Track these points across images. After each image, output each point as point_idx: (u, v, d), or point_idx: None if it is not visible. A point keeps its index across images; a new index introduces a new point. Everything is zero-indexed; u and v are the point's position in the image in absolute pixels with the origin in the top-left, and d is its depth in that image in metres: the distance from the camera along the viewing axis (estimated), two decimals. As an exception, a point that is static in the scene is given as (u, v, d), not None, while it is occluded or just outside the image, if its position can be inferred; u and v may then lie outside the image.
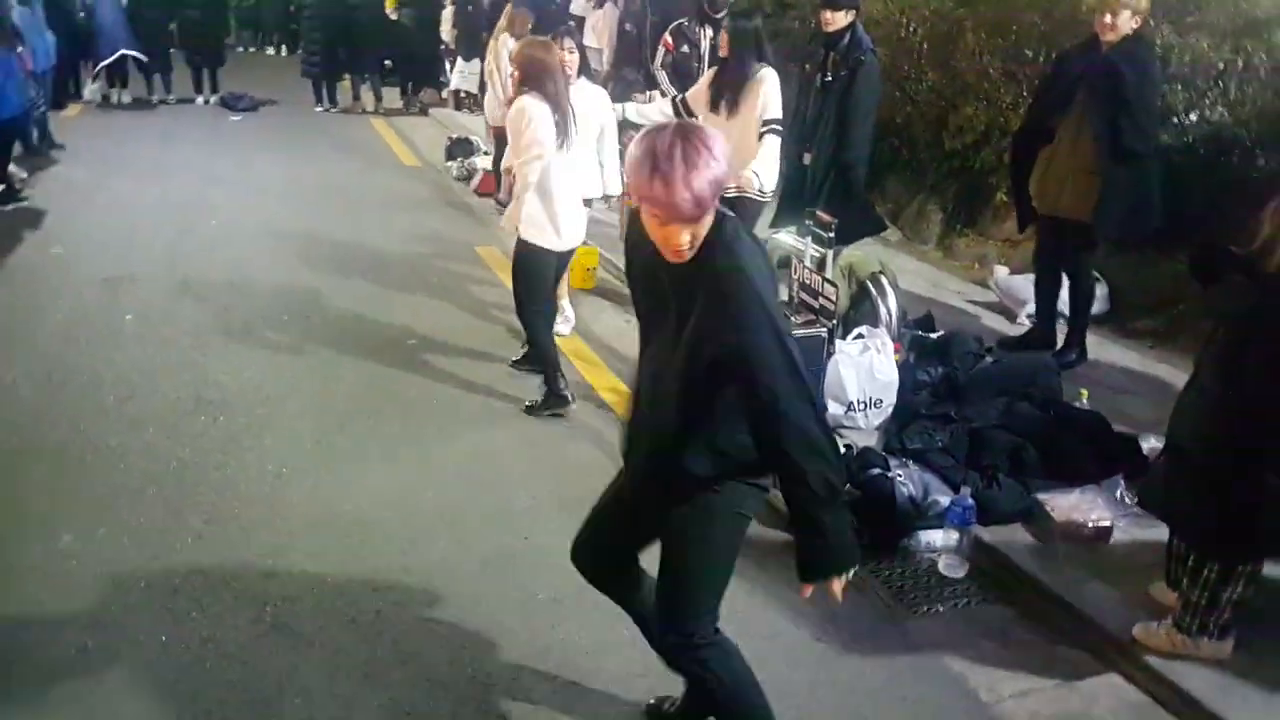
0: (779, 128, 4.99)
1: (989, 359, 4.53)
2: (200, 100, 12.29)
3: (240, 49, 17.22)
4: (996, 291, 5.93)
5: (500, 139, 7.24)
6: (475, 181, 8.79)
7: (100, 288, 5.87)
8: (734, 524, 2.28)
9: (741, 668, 2.37)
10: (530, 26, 7.40)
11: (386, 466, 4.01)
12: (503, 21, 7.93)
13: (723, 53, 5.05)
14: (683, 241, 1.99)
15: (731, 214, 2.11)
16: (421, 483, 3.89)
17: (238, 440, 4.16)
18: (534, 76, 4.23)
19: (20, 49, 7.77)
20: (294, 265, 6.43)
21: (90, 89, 12.02)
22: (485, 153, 9.30)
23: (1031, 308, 5.33)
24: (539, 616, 3.13)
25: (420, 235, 7.32)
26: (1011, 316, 5.68)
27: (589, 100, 5.02)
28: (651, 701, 2.73)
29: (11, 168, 7.84)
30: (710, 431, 2.15)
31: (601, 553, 2.47)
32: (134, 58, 11.51)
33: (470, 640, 3.01)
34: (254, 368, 4.87)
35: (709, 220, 2.02)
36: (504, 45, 7.39)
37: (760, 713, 2.39)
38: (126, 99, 12.00)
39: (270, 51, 17.96)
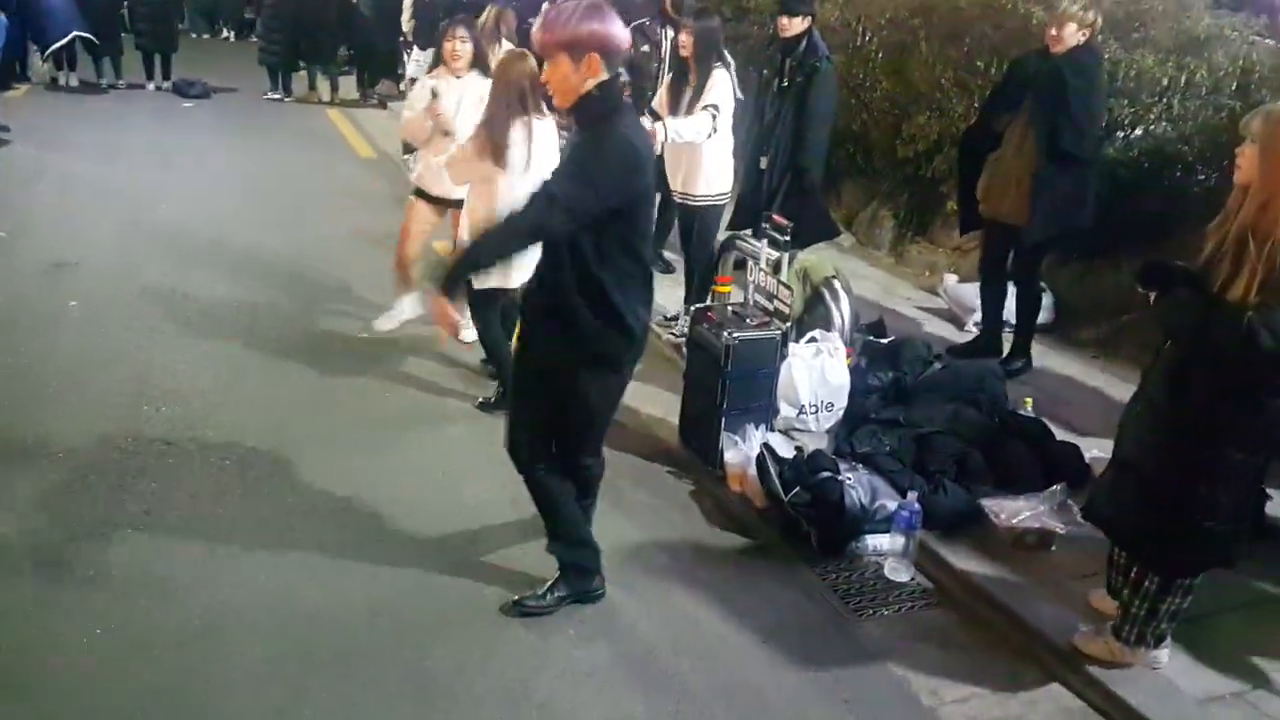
0: (716, 111, 4.96)
1: (938, 365, 4.55)
2: (151, 86, 11.92)
3: (194, 35, 16.77)
4: (946, 299, 5.99)
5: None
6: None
7: (44, 273, 5.68)
8: None
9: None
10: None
11: (334, 461, 3.92)
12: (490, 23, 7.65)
13: (685, 53, 5.03)
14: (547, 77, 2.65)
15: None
16: (372, 478, 3.81)
17: (181, 431, 4.04)
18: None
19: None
20: (245, 256, 6.27)
21: (38, 70, 11.62)
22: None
23: (978, 315, 5.38)
24: (489, 624, 3.08)
25: (375, 229, 7.18)
26: (960, 324, 5.73)
27: (484, 92, 4.47)
28: None
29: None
30: None
31: None
32: (84, 39, 11.14)
33: (412, 634, 2.95)
34: (200, 359, 4.74)
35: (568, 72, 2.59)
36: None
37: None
38: (74, 82, 11.61)
39: (225, 36, 17.55)
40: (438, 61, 4.90)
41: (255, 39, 13.63)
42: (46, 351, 4.65)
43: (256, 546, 3.32)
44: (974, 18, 6.58)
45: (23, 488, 3.53)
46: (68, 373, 4.46)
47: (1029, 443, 3.97)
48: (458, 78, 4.78)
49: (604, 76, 2.62)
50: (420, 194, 4.95)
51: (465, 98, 4.70)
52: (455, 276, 2.67)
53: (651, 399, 4.74)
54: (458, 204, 4.54)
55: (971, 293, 5.60)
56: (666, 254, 6.57)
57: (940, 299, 6.08)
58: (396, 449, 4.06)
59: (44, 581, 3.07)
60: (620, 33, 2.64)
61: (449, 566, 3.30)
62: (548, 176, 2.65)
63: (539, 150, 4.06)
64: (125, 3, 11.96)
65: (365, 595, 3.13)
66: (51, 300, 5.29)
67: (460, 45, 4.76)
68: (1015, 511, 3.56)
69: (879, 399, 4.36)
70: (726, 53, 5.15)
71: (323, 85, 12.45)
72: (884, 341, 4.82)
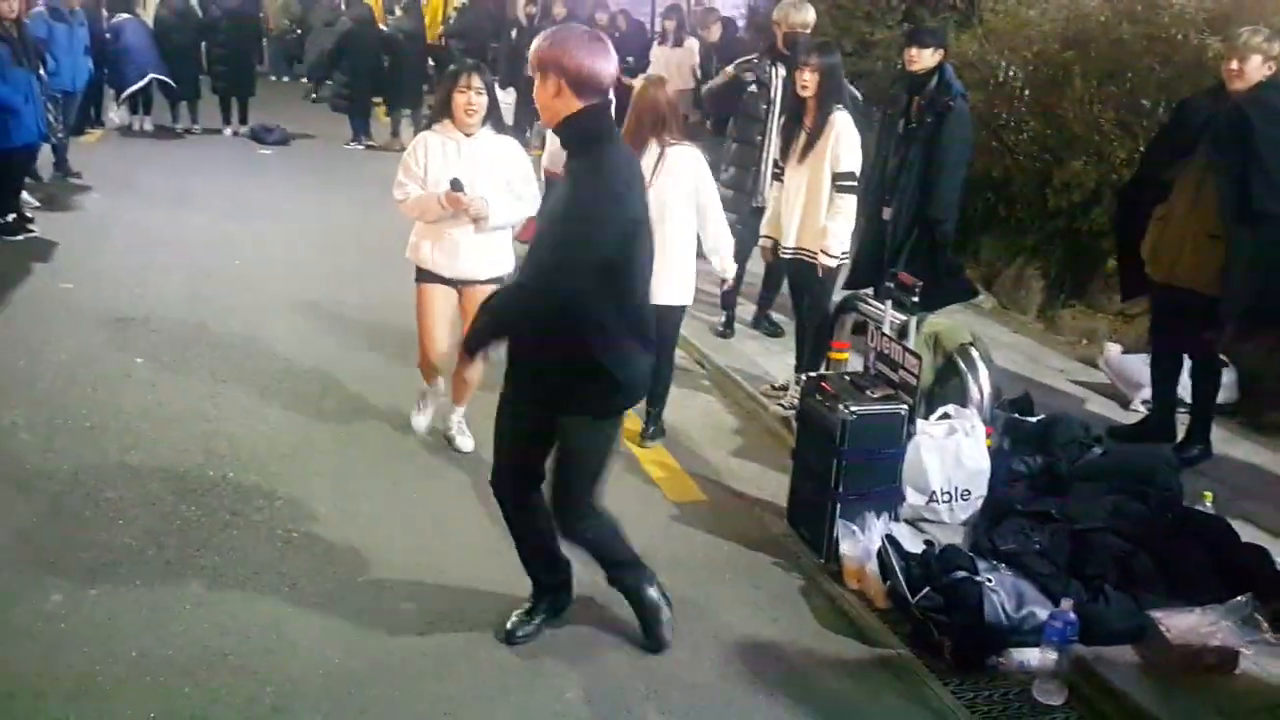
0: (854, 183, 5.03)
1: (1097, 450, 4.45)
2: (228, 131, 12.75)
3: (274, 78, 17.88)
4: (1107, 372, 5.85)
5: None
6: (519, 228, 8.95)
7: (110, 328, 6.07)
8: None
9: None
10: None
11: (406, 535, 4.04)
12: None
13: (805, 93, 5.08)
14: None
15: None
16: (442, 554, 3.91)
17: (247, 499, 4.23)
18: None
19: (43, 71, 8.14)
20: (319, 312, 6.59)
21: (113, 115, 12.55)
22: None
23: (1147, 393, 5.24)
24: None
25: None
26: (1125, 402, 5.59)
27: (498, 154, 4.53)
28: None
29: (24, 195, 8.19)
30: None
31: None
32: (161, 82, 12.00)
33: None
34: (269, 423, 4.98)
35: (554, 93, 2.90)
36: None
37: None
38: (149, 127, 12.52)
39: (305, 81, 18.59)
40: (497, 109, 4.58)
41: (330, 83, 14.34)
42: (112, 411, 4.96)
43: (326, 627, 3.43)
44: (1138, 51, 6.52)
45: (79, 558, 3.75)
46: (133, 433, 4.74)
47: (1208, 544, 3.82)
48: (467, 135, 4.44)
49: (577, 104, 2.92)
50: (428, 277, 4.61)
51: (478, 162, 4.44)
52: (479, 343, 3.12)
53: (757, 478, 4.76)
54: (473, 283, 4.53)
55: (1138, 366, 5.46)
56: (775, 315, 6.62)
57: (1100, 372, 5.95)
58: (473, 527, 4.16)
59: (101, 655, 3.23)
60: (595, 68, 2.89)
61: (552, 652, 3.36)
62: (552, 231, 3.02)
63: (666, 175, 4.51)
64: (203, 44, 12.82)
65: (438, 690, 3.20)
66: (117, 357, 5.65)
67: (475, 98, 4.37)
68: (1191, 626, 3.41)
69: (1026, 488, 4.27)
70: (853, 88, 5.19)
71: (407, 132, 13.07)
72: (1032, 420, 4.73)
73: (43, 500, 4.12)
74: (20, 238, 7.70)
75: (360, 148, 12.71)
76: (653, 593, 3.43)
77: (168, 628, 3.38)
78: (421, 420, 4.93)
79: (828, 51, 5.19)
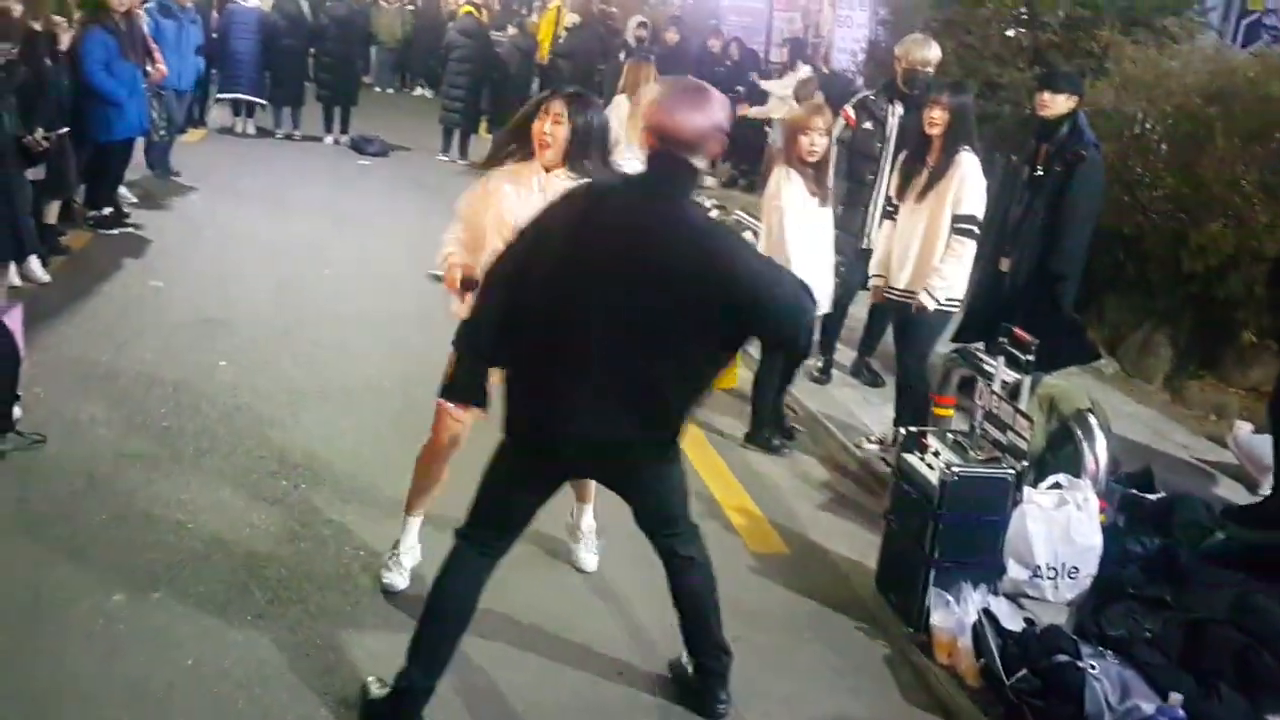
0: (975, 228, 4.97)
1: (1221, 535, 4.28)
2: (329, 139, 13.16)
3: (378, 89, 18.42)
4: (1236, 452, 5.64)
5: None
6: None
7: (196, 329, 6.29)
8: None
9: None
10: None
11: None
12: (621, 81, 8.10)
13: (933, 130, 5.06)
14: None
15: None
16: (514, 591, 3.91)
17: (318, 512, 4.32)
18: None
19: (150, 68, 8.51)
20: (404, 326, 6.72)
21: (215, 115, 13.08)
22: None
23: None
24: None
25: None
26: (1253, 485, 5.38)
27: None
28: None
29: (122, 190, 8.55)
30: None
31: None
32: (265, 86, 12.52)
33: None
34: (348, 435, 5.09)
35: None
36: (615, 109, 6.93)
37: None
38: (251, 129, 13.00)
39: (419, 93, 19.07)
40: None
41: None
42: (190, 411, 5.12)
43: (386, 650, 3.46)
44: (1288, 110, 6.34)
45: (143, 560, 3.85)
46: (209, 436, 4.89)
47: (1340, 648, 3.63)
48: (545, 172, 3.65)
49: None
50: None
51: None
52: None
53: (846, 536, 4.69)
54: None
55: (1269, 446, 5.24)
56: (875, 364, 6.54)
57: (1228, 451, 5.74)
58: (549, 558, 4.17)
59: (156, 660, 3.30)
60: (679, 125, 2.81)
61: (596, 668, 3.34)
62: None
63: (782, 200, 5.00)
64: (311, 50, 13.29)
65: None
66: (201, 358, 5.84)
67: (552, 126, 3.59)
68: (1317, 737, 3.24)
69: (1140, 570, 4.13)
70: (974, 134, 5.16)
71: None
72: (1151, 498, 4.59)
73: (113, 498, 4.25)
74: (116, 232, 8.04)
75: (451, 161, 12.85)
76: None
77: (226, 637, 3.46)
78: (399, 577, 3.87)
79: (960, 91, 5.18)
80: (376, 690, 3.14)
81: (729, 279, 2.76)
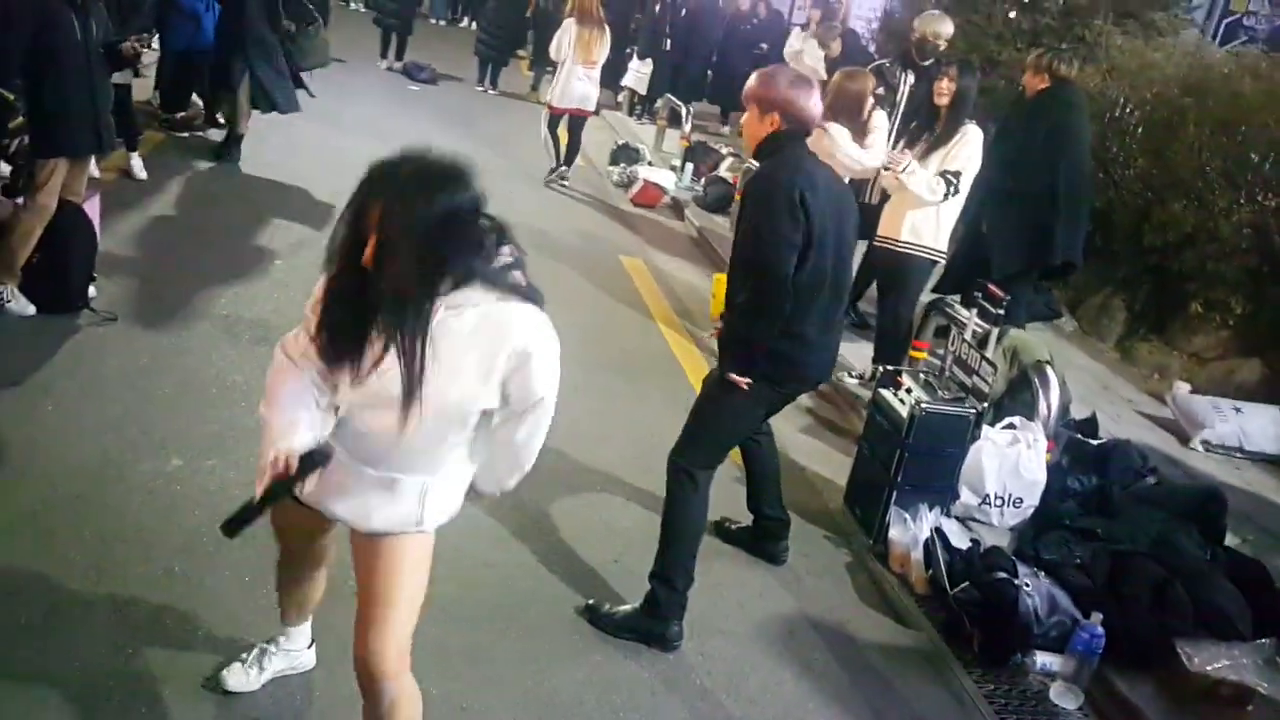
0: (955, 182, 4.90)
1: (1150, 479, 4.32)
2: (383, 65, 12.94)
3: (433, 20, 18.10)
4: (1173, 408, 5.67)
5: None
6: (634, 190, 9.00)
7: (252, 230, 6.27)
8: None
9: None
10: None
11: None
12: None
13: (941, 100, 5.01)
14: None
15: None
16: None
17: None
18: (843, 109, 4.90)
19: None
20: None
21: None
22: (649, 163, 9.51)
23: (1208, 434, 5.11)
24: None
25: (567, 235, 7.52)
26: (1185, 439, 5.41)
27: None
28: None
29: (194, 98, 8.42)
30: None
31: None
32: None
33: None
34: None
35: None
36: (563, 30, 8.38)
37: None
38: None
39: (467, 25, 18.75)
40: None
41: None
42: (247, 302, 5.15)
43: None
44: (1256, 106, 6.24)
45: (201, 430, 3.91)
46: (263, 325, 4.91)
47: (1244, 585, 3.69)
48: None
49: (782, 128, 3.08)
50: None
51: None
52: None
53: (821, 455, 4.75)
54: None
55: (1204, 406, 5.28)
56: (862, 307, 6.54)
57: (1167, 408, 5.75)
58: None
59: (208, 518, 3.35)
60: (807, 105, 3.07)
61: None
62: None
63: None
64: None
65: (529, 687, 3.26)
66: (257, 256, 5.84)
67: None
68: (1213, 657, 3.33)
69: (1076, 505, 4.18)
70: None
71: (545, 88, 13.15)
72: (1093, 442, 4.61)
73: (175, 375, 4.30)
74: (186, 134, 7.99)
75: (484, 91, 12.82)
76: None
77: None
78: (249, 677, 2.74)
79: (967, 73, 5.10)
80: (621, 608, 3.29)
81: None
